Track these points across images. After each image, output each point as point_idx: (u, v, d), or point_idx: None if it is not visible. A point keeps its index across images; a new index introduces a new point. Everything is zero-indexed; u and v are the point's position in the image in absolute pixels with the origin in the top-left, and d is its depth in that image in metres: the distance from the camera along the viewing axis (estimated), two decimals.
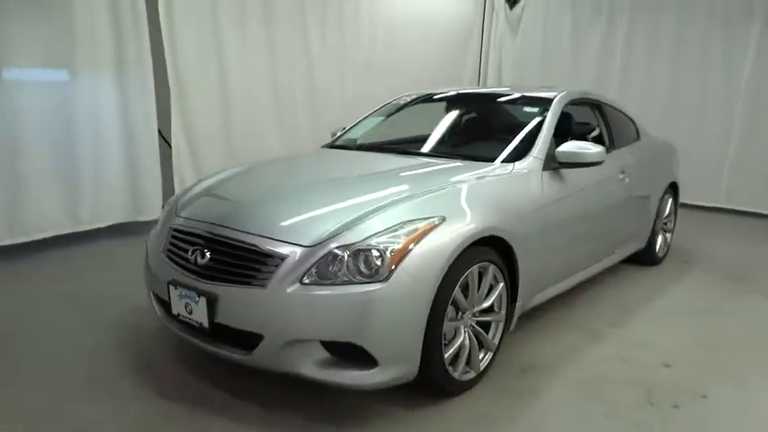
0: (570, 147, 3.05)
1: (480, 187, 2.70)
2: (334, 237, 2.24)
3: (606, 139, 3.92)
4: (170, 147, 5.29)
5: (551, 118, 3.28)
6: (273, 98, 5.98)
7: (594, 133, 3.93)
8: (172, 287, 2.46)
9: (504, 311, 2.69)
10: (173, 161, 5.29)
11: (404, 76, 7.00)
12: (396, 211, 2.34)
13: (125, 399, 2.46)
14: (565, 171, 3.13)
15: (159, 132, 5.15)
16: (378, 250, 2.18)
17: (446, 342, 2.41)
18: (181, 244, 2.55)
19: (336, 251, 2.20)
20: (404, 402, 2.45)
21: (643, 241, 4.26)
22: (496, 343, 2.69)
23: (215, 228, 2.46)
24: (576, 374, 2.75)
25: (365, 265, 2.17)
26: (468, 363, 2.55)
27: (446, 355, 2.37)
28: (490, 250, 2.53)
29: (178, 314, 2.46)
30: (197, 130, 5.41)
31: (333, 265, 2.18)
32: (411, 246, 2.20)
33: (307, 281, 2.17)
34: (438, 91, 3.98)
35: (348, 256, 2.19)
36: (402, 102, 4.01)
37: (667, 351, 3.02)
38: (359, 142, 3.73)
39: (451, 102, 3.89)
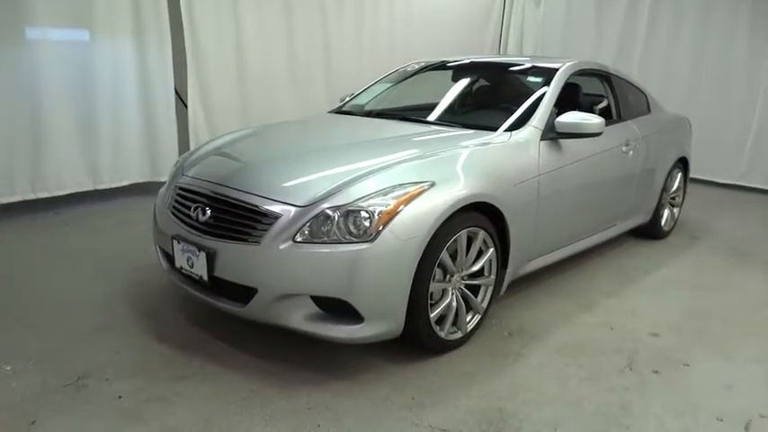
0: (569, 117, 3.07)
1: (473, 155, 2.75)
2: (326, 198, 2.34)
3: (613, 111, 3.92)
4: (186, 107, 5.39)
5: (554, 88, 3.29)
6: (289, 68, 6.03)
7: (602, 105, 3.93)
8: (175, 242, 2.60)
9: (493, 276, 2.77)
10: (189, 125, 5.42)
11: (423, 47, 6.96)
12: (387, 175, 2.43)
13: (127, 343, 2.63)
14: (564, 141, 3.16)
15: (176, 92, 5.27)
16: (366, 211, 2.27)
17: (433, 302, 2.51)
18: (185, 201, 2.67)
19: (328, 211, 2.30)
20: (391, 357, 2.57)
21: (648, 215, 4.27)
22: (485, 306, 2.78)
23: (216, 187, 2.58)
24: (561, 339, 2.84)
25: (354, 225, 2.27)
26: (455, 323, 2.65)
27: (432, 315, 2.47)
28: (480, 216, 2.61)
29: (181, 267, 2.61)
30: (213, 96, 5.51)
31: (324, 225, 2.28)
32: (399, 208, 2.29)
33: (299, 239, 2.28)
34: (445, 59, 4.00)
35: (339, 216, 2.28)
36: (410, 69, 4.04)
37: (657, 321, 3.08)
38: (365, 108, 3.79)
39: (458, 70, 3.91)
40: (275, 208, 2.36)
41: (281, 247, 2.28)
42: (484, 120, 3.27)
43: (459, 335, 2.67)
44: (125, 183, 5.08)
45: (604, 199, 3.65)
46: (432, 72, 3.98)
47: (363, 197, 2.32)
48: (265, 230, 2.33)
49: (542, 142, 3.05)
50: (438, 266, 2.48)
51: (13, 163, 4.46)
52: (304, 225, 2.29)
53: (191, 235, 2.54)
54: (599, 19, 7.28)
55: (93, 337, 2.68)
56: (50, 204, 4.67)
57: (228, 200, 2.49)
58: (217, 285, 2.49)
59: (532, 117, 3.11)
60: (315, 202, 2.34)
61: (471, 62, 3.92)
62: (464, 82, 3.78)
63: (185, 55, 5.24)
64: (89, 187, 4.89)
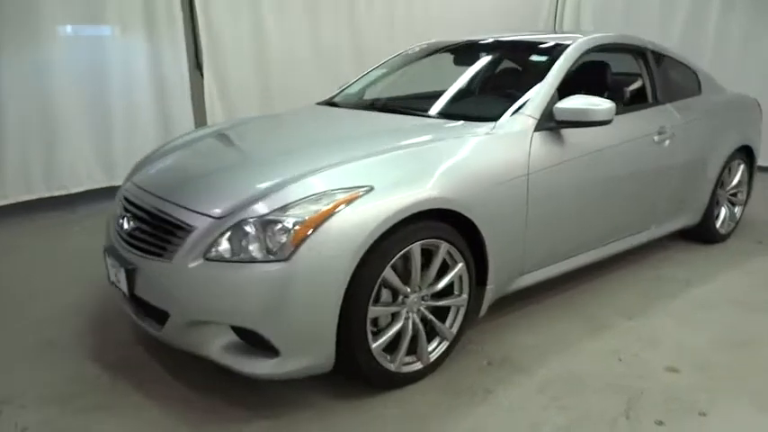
0: (570, 103, 2.55)
1: (436, 151, 2.31)
2: (244, 207, 2.00)
3: (648, 92, 3.31)
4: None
5: (558, 69, 2.76)
6: (314, 54, 5.70)
7: (634, 86, 3.33)
8: (107, 254, 2.36)
9: (465, 296, 2.33)
10: (207, 118, 5.25)
11: (466, 28, 6.42)
12: (318, 180, 2.05)
13: (62, 363, 2.42)
14: (567, 132, 2.64)
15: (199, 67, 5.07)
16: (283, 224, 1.92)
17: (378, 329, 2.13)
18: (120, 210, 2.43)
19: (243, 224, 1.96)
20: (335, 391, 2.21)
21: (696, 215, 3.62)
22: (455, 331, 2.35)
23: (142, 194, 2.32)
24: (551, 373, 2.36)
25: (271, 240, 1.92)
26: (414, 352, 2.25)
27: (375, 345, 2.09)
28: (441, 225, 2.18)
29: (112, 282, 2.37)
30: (231, 86, 5.28)
31: (239, 239, 1.95)
32: (323, 219, 1.91)
33: (211, 255, 1.96)
34: (448, 41, 3.53)
35: (255, 229, 1.94)
36: (410, 54, 3.61)
37: (681, 352, 2.52)
38: (353, 99, 3.40)
39: (459, 53, 3.44)
40: (190, 219, 2.05)
41: (191, 265, 1.97)
42: (475, 109, 2.83)
43: (418, 366, 2.26)
44: None
45: (629, 198, 3.07)
46: (435, 56, 3.51)
47: (284, 206, 1.96)
48: (179, 245, 2.03)
49: (537, 134, 2.55)
50: (383, 286, 2.09)
51: (29, 161, 4.46)
52: (217, 239, 1.97)
53: (118, 247, 2.29)
54: None
55: (33, 354, 2.49)
56: (69, 203, 4.64)
57: (149, 209, 2.22)
58: (141, 303, 2.23)
59: (525, 104, 2.62)
60: (232, 212, 2.01)
61: (474, 43, 3.41)
62: (464, 66, 3.30)
63: (200, 44, 5.05)
64: (104, 184, 4.84)
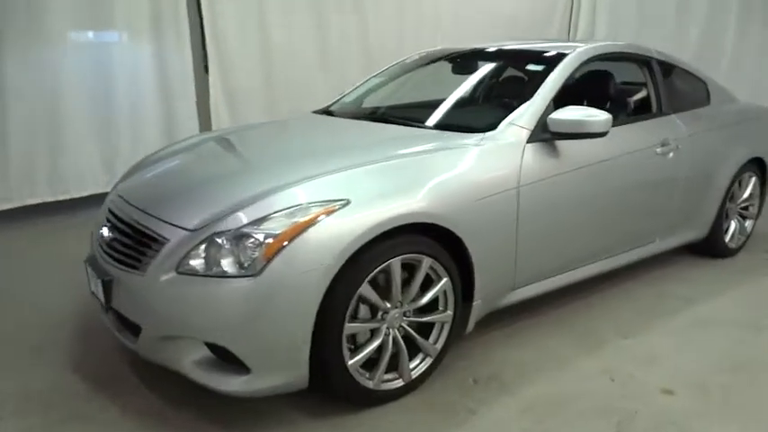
0: (564, 114, 2.47)
1: (420, 163, 2.24)
2: (218, 219, 1.96)
3: (653, 102, 3.21)
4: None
5: (554, 79, 2.68)
6: (321, 57, 5.65)
7: (638, 96, 3.23)
8: (87, 263, 2.34)
9: (450, 312, 2.26)
10: (212, 122, 5.25)
11: (477, 30, 6.33)
12: (295, 193, 1.99)
13: (45, 371, 2.40)
14: (563, 144, 2.56)
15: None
16: (256, 238, 1.87)
17: (355, 346, 2.07)
18: (102, 219, 2.41)
19: (216, 237, 1.92)
20: (314, 408, 2.15)
21: (704, 229, 3.49)
22: (439, 348, 2.28)
23: (123, 204, 2.30)
24: (538, 392, 2.27)
25: (243, 254, 1.88)
26: (395, 369, 2.19)
27: (352, 362, 2.03)
28: (424, 240, 2.12)
29: (92, 292, 2.35)
30: (237, 88, 5.24)
31: (212, 253, 1.91)
32: (296, 234, 1.86)
33: (183, 269, 1.92)
34: (448, 49, 3.46)
35: (227, 242, 1.90)
36: (408, 63, 3.55)
37: (678, 373, 2.42)
38: (347, 108, 3.34)
39: (456, 62, 3.36)
40: (165, 231, 2.02)
41: (163, 278, 1.93)
42: (469, 119, 2.75)
43: (399, 383, 2.19)
44: None
45: (629, 212, 2.97)
46: (433, 65, 3.45)
47: (258, 219, 1.91)
48: (153, 257, 2.00)
49: (530, 145, 2.48)
50: (361, 302, 2.04)
51: (34, 164, 4.48)
52: (190, 252, 1.93)
53: (98, 258, 2.27)
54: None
55: (17, 362, 2.48)
56: (71, 207, 4.66)
57: (128, 220, 2.19)
58: (119, 315, 2.19)
59: (518, 115, 2.54)
60: (206, 225, 1.96)
61: (474, 51, 3.33)
62: (462, 75, 3.23)
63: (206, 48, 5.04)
64: (108, 188, 4.82)
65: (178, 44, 4.88)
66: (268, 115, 5.26)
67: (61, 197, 4.66)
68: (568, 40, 5.43)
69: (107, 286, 2.13)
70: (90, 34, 4.67)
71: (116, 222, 2.25)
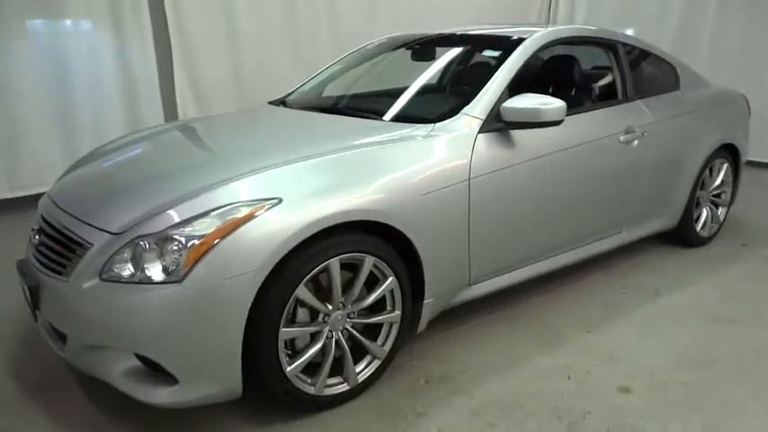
0: (517, 102, 2.36)
1: (361, 157, 2.13)
2: (142, 222, 1.85)
3: (618, 88, 3.10)
4: None
5: (509, 66, 2.57)
6: (291, 45, 5.47)
7: (602, 82, 3.13)
8: (18, 268, 2.23)
9: (398, 312, 2.17)
10: (178, 115, 5.10)
11: (454, 16, 6.18)
12: (223, 192, 1.87)
13: None
14: (518, 133, 2.46)
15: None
16: (178, 241, 1.76)
17: (293, 351, 1.98)
18: (36, 222, 2.30)
19: (140, 240, 1.81)
20: (253, 415, 2.06)
21: (674, 218, 3.41)
22: (387, 349, 2.19)
23: (51, 207, 2.19)
24: (492, 392, 2.19)
25: (166, 259, 1.77)
26: (341, 373, 2.09)
27: (290, 368, 1.93)
28: (365, 238, 2.02)
29: (26, 297, 2.24)
30: (202, 74, 5.09)
31: (135, 258, 1.80)
32: (222, 236, 1.76)
33: (106, 276, 1.81)
34: (407, 35, 3.34)
35: (150, 246, 1.79)
36: (367, 50, 3.43)
37: (636, 369, 2.34)
38: (302, 99, 3.21)
39: (417, 49, 3.22)
40: (89, 235, 1.91)
41: (85, 285, 1.82)
42: (421, 109, 2.63)
43: (345, 387, 2.10)
44: None
45: (592, 202, 2.87)
46: (392, 52, 3.33)
47: (182, 222, 1.80)
48: (77, 263, 1.89)
49: (482, 135, 2.37)
50: (299, 305, 1.94)
51: None
52: (113, 257, 1.82)
53: (29, 262, 2.16)
54: None
55: None
56: (33, 204, 4.51)
57: (54, 224, 2.08)
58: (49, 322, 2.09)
59: (470, 104, 2.44)
60: (131, 227, 1.85)
61: (434, 37, 3.21)
62: (421, 62, 3.11)
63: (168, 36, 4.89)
64: None
65: (138, 34, 4.72)
66: (238, 106, 5.12)
67: (20, 193, 4.54)
68: (542, 25, 5.32)
69: (34, 292, 2.02)
70: (46, 24, 4.49)
71: (44, 226, 2.14)
